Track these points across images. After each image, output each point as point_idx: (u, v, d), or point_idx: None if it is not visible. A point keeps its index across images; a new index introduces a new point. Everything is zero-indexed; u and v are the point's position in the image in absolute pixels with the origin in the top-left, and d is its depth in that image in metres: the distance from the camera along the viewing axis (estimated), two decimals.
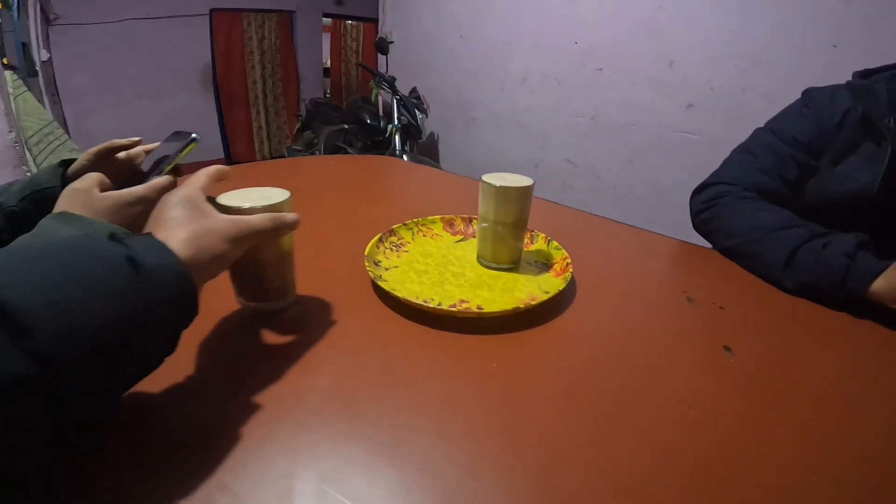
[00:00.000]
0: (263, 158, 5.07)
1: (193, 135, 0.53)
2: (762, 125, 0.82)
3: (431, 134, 3.11)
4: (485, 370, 0.42)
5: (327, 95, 5.72)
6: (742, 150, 0.80)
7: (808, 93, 0.79)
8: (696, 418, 0.38)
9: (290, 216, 0.42)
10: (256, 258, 0.46)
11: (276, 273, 0.48)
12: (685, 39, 1.78)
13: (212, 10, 4.30)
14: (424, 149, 3.09)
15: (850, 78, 0.77)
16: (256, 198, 0.44)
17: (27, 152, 2.72)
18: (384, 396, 0.38)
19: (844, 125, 0.71)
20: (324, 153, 3.12)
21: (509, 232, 0.57)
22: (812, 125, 0.74)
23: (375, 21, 3.38)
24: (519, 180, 0.57)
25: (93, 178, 0.45)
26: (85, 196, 0.43)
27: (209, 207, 0.39)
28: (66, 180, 0.53)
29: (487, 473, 0.32)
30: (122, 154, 0.54)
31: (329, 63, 5.63)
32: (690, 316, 0.53)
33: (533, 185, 0.57)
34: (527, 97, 2.44)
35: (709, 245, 0.77)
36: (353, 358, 0.43)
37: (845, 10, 1.39)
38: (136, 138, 0.56)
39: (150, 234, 0.33)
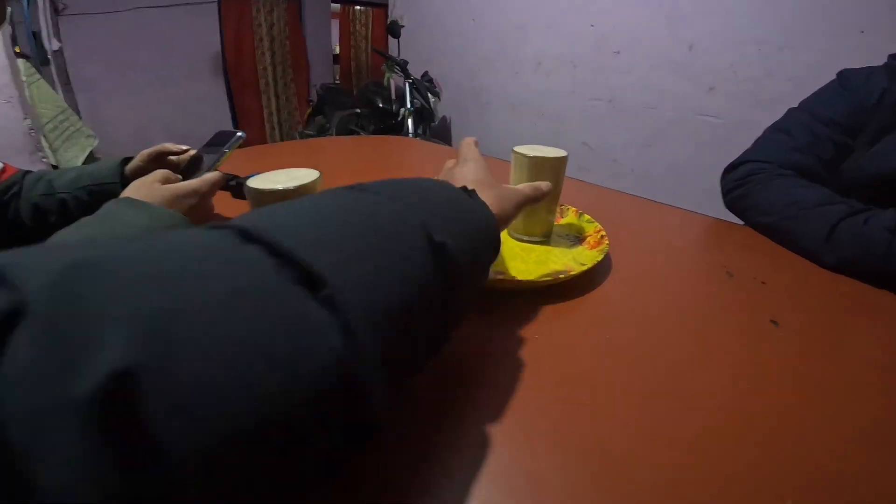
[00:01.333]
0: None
1: (239, 133, 0.60)
2: (793, 107, 0.80)
3: (444, 118, 3.08)
4: (528, 342, 0.41)
5: (337, 82, 5.69)
6: (777, 129, 0.78)
7: (843, 74, 0.77)
8: (748, 388, 0.37)
9: (544, 184, 0.46)
10: None
11: None
12: (706, 23, 1.73)
13: None
14: (437, 132, 3.06)
15: (886, 60, 0.75)
16: (285, 179, 0.44)
17: (43, 139, 2.74)
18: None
19: (882, 106, 0.70)
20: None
21: (542, 204, 0.56)
22: (848, 106, 0.72)
23: (385, 6, 3.34)
24: (552, 151, 0.57)
25: (161, 173, 0.51)
26: (149, 188, 0.49)
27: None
28: (124, 178, 0.59)
29: (541, 444, 0.31)
30: (173, 157, 0.60)
31: (339, 49, 5.60)
32: (733, 291, 0.52)
33: (566, 156, 0.56)
34: (542, 81, 2.40)
35: (741, 223, 0.76)
36: None
37: None
38: (186, 147, 0.62)
39: (475, 192, 0.35)
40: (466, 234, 0.29)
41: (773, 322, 0.45)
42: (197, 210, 0.51)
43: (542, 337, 0.42)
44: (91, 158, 2.99)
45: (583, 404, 0.34)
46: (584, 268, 0.50)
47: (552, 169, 0.56)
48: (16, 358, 0.12)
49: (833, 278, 0.57)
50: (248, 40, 4.57)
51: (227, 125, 4.78)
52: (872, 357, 0.42)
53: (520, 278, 0.49)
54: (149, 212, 0.44)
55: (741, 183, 0.75)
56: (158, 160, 0.60)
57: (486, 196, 0.37)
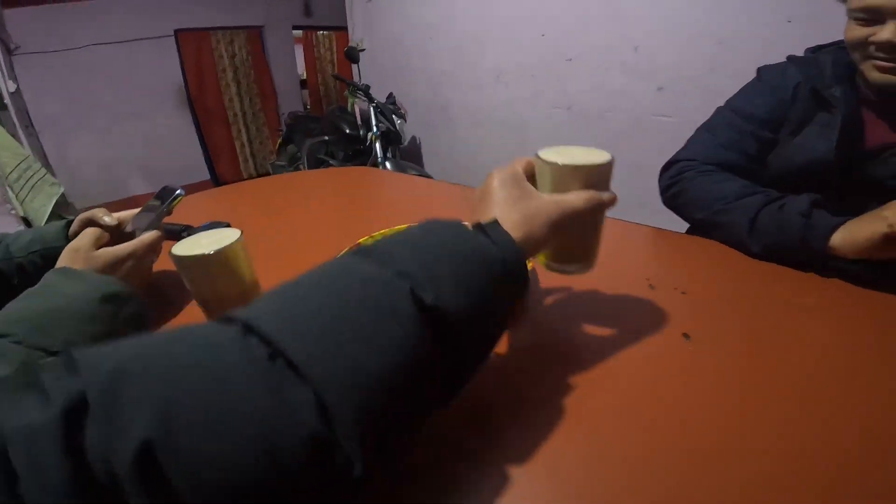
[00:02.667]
0: (249, 176, 5.10)
1: (178, 190, 0.62)
2: (721, 105, 0.86)
3: (413, 138, 3.14)
4: None
5: (307, 108, 5.74)
6: (704, 129, 0.85)
7: (761, 70, 0.83)
8: (651, 409, 0.40)
9: (606, 195, 0.40)
10: (225, 292, 0.48)
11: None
12: (648, 23, 1.81)
13: (176, 31, 4.31)
14: (407, 153, 3.11)
15: (804, 53, 0.80)
16: (208, 243, 0.47)
17: (8, 190, 2.74)
18: None
19: (797, 98, 0.76)
20: (307, 166, 3.14)
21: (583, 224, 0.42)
22: (768, 101, 0.78)
23: (346, 29, 3.40)
24: (588, 155, 0.42)
25: (89, 235, 0.53)
26: (83, 254, 0.51)
27: (531, 187, 0.40)
28: (69, 238, 0.60)
29: (436, 478, 0.34)
30: (107, 220, 0.60)
31: (305, 75, 5.65)
32: (652, 303, 0.56)
33: (611, 161, 0.41)
34: (503, 92, 2.47)
35: (678, 226, 0.81)
36: None
37: None
38: (117, 218, 0.61)
39: (495, 222, 0.35)
40: (472, 286, 0.29)
41: (685, 335, 0.49)
42: (136, 272, 0.54)
43: None
44: (63, 203, 2.97)
45: (491, 415, 0.37)
46: None
47: (589, 178, 0.40)
48: (91, 436, 0.19)
49: (755, 283, 0.61)
50: (211, 71, 4.60)
51: (199, 160, 4.80)
52: (794, 361, 0.46)
53: None
54: (85, 281, 0.47)
55: (673, 182, 0.81)
56: (92, 225, 0.61)
57: (510, 219, 0.36)
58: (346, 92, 2.89)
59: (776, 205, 0.65)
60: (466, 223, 0.35)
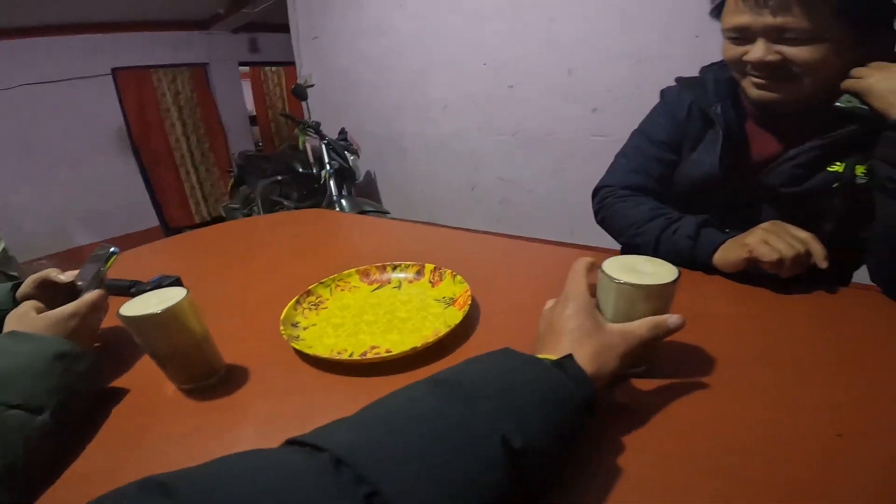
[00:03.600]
0: (202, 220, 5.01)
1: (112, 248, 0.66)
2: (635, 129, 0.95)
3: (368, 172, 3.20)
4: None
5: (259, 146, 5.73)
6: (620, 154, 0.95)
7: (663, 93, 0.92)
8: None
9: (672, 320, 0.42)
10: (177, 348, 0.52)
11: (200, 356, 0.54)
12: (578, 46, 1.97)
13: (114, 70, 4.27)
14: (363, 189, 3.16)
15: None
16: (156, 302, 0.51)
17: None
18: None
19: (691, 117, 0.84)
20: (261, 208, 3.14)
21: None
22: (668, 122, 0.88)
23: (292, 64, 3.47)
24: (654, 267, 0.46)
25: (27, 305, 0.56)
26: (27, 319, 0.54)
27: (600, 318, 0.43)
28: (16, 302, 0.63)
29: None
30: (63, 278, 0.65)
31: (255, 111, 5.67)
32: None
33: (677, 278, 0.44)
34: (451, 122, 2.58)
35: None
36: (275, 410, 0.50)
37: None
38: (70, 276, 0.66)
39: (570, 358, 0.38)
40: (553, 425, 0.32)
41: None
42: (82, 330, 0.57)
43: None
44: (4, 258, 2.84)
45: None
46: (449, 329, 0.59)
47: (650, 296, 0.44)
48: None
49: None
50: (154, 110, 4.54)
51: (146, 204, 4.70)
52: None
53: (393, 350, 0.58)
54: (34, 341, 0.50)
55: (598, 208, 0.91)
56: (45, 285, 0.64)
57: (583, 353, 0.38)
58: (297, 130, 2.94)
59: (671, 229, 0.75)
60: (543, 356, 0.38)
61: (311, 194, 2.92)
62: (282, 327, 0.63)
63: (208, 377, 0.55)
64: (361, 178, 2.97)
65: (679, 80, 0.89)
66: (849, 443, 0.39)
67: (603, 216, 0.90)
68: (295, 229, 1.24)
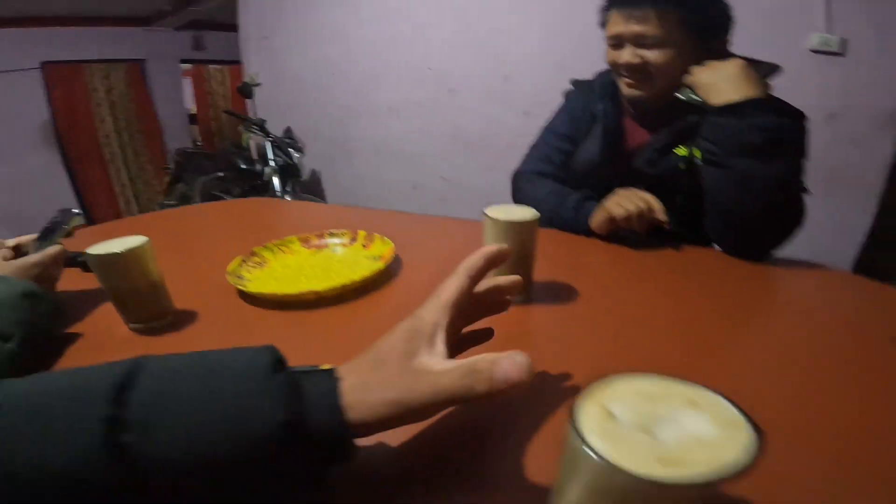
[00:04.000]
0: None
1: (75, 210, 0.73)
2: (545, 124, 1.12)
3: (314, 171, 3.26)
4: (328, 338, 0.60)
5: (199, 144, 5.60)
6: (532, 146, 1.12)
7: (565, 94, 1.12)
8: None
9: (499, 370, 0.29)
10: (134, 287, 0.60)
11: (154, 297, 0.63)
12: (515, 55, 2.19)
13: (43, 63, 4.08)
14: (307, 186, 3.22)
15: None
16: (119, 245, 0.59)
17: None
18: None
19: (584, 114, 1.03)
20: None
21: (517, 268, 0.60)
22: (567, 118, 1.07)
23: (238, 63, 3.48)
24: (519, 213, 0.62)
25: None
26: None
27: (428, 354, 0.32)
28: None
29: None
30: (9, 242, 0.70)
31: (196, 109, 5.54)
32: None
33: (536, 219, 0.62)
34: (398, 124, 2.71)
35: None
36: (220, 343, 0.59)
37: None
38: (16, 242, 0.70)
39: (327, 375, 0.31)
40: (209, 448, 0.26)
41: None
42: (43, 278, 0.63)
43: (343, 332, 0.61)
44: None
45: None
46: (372, 273, 0.71)
47: (517, 232, 0.60)
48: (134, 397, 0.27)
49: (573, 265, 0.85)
50: (84, 106, 4.37)
51: (70, 202, 4.47)
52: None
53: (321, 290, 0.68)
54: (5, 281, 0.56)
55: (514, 191, 1.08)
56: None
57: (351, 380, 0.30)
58: (241, 127, 2.96)
59: (563, 204, 0.91)
60: (326, 367, 0.33)
61: (255, 190, 2.94)
62: (228, 276, 0.71)
63: (161, 317, 0.63)
64: (307, 176, 3.03)
65: (575, 83, 1.07)
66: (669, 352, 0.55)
67: (517, 198, 1.06)
68: (241, 214, 1.31)
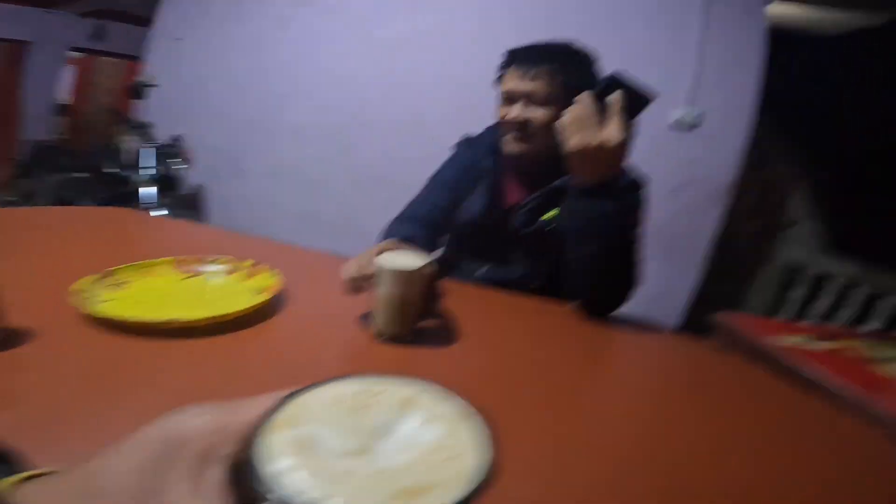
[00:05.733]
0: None
1: None
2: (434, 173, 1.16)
3: (200, 185, 3.04)
4: (194, 372, 0.56)
5: (64, 137, 4.98)
6: (416, 195, 1.14)
7: (455, 145, 1.17)
8: None
9: None
10: None
11: None
12: (430, 94, 2.31)
13: None
14: (187, 201, 2.98)
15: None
16: None
17: None
18: (89, 403, 0.49)
19: (471, 169, 1.09)
20: (46, 205, 2.75)
21: (402, 311, 0.67)
22: (454, 170, 1.12)
23: (138, 60, 3.21)
24: (411, 261, 0.68)
25: None
26: None
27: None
28: None
29: None
30: None
31: (72, 101, 4.97)
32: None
33: (420, 268, 0.67)
34: (301, 148, 2.67)
35: None
36: (59, 372, 0.52)
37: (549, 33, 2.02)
38: None
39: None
40: None
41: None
42: None
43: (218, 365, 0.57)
44: None
45: None
46: (252, 306, 0.68)
47: (402, 280, 0.65)
48: None
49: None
50: None
51: None
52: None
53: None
54: None
55: (387, 232, 1.05)
56: None
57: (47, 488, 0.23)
58: (118, 127, 2.70)
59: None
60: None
61: (118, 199, 2.64)
62: (72, 296, 0.63)
63: None
64: (189, 191, 2.83)
65: (466, 138, 1.15)
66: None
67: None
68: (100, 225, 1.17)
